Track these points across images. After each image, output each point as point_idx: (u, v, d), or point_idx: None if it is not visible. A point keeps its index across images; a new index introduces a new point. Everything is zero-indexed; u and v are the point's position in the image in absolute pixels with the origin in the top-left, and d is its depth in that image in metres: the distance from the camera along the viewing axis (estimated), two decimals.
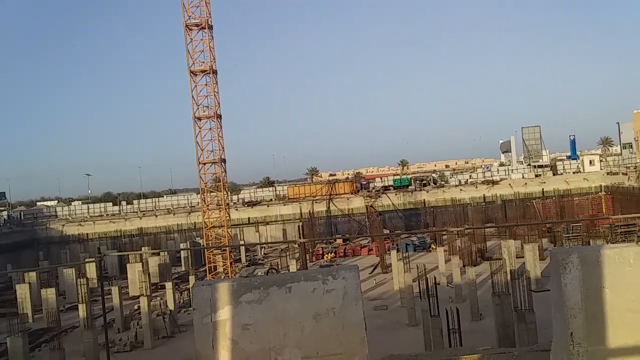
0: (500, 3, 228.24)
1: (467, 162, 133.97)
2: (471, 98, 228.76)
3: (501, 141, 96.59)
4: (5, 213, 74.56)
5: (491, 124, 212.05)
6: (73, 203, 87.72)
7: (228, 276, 43.94)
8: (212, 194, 47.20)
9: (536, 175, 72.30)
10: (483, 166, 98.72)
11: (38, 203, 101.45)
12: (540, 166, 75.22)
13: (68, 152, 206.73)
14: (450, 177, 77.86)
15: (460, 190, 70.06)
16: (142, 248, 56.14)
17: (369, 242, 57.57)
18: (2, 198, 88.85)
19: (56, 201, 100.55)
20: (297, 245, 50.82)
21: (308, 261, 48.34)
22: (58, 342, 24.37)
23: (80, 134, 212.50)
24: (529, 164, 76.61)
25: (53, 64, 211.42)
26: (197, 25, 43.35)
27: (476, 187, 70.16)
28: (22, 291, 38.68)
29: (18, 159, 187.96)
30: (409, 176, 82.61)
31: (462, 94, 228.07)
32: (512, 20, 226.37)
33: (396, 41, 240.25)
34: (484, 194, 68.68)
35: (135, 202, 78.92)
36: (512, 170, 75.65)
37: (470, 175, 77.42)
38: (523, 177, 71.89)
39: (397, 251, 38.06)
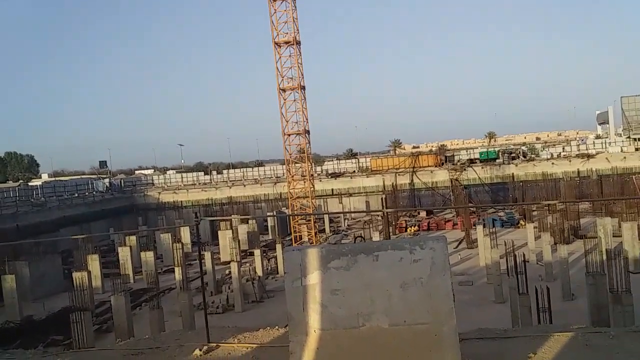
0: None
1: (560, 135, 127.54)
2: (564, 65, 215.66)
3: (598, 112, 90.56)
4: (107, 180, 79.92)
5: (587, 94, 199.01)
6: (168, 172, 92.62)
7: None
8: (296, 165, 48.10)
9: (636, 149, 67.47)
10: (577, 138, 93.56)
11: (136, 172, 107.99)
12: None
13: (163, 124, 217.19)
14: (542, 150, 74.48)
15: (552, 164, 66.86)
16: (232, 216, 58.43)
17: (453, 216, 56.61)
18: (104, 166, 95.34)
19: (152, 170, 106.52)
20: (380, 217, 50.94)
21: (391, 234, 48.37)
22: (157, 302, 25.98)
23: (174, 107, 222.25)
24: (629, 137, 71.48)
25: (149, 46, 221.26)
26: None
27: (570, 161, 66.67)
28: (124, 254, 41.57)
29: (118, 130, 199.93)
30: (496, 149, 79.87)
31: (553, 60, 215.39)
32: None
33: (480, 6, 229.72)
34: (578, 169, 65.16)
35: (224, 172, 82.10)
36: (610, 143, 71.10)
37: (563, 148, 73.68)
38: (622, 151, 67.38)
39: (484, 226, 37.20)
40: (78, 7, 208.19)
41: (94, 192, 71.99)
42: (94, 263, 37.69)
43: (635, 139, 70.09)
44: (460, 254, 39.77)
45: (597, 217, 39.46)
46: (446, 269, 6.56)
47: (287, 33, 44.43)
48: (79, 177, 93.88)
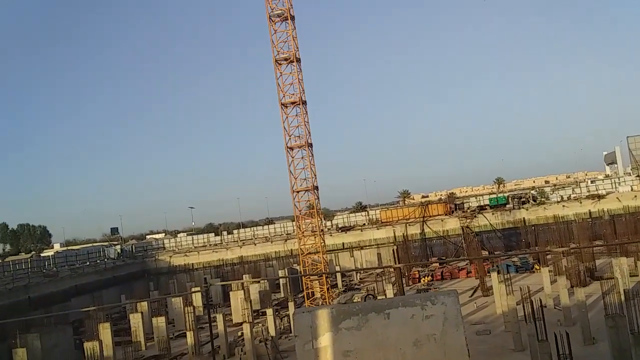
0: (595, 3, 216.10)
1: (569, 177, 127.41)
2: (569, 108, 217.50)
3: (605, 152, 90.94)
4: (118, 247, 80.00)
5: (593, 135, 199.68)
6: (179, 235, 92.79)
7: (326, 302, 44.29)
8: (306, 221, 48.05)
9: None
10: (587, 180, 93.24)
11: (147, 236, 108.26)
12: None
13: (173, 187, 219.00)
14: (551, 193, 74.25)
15: (563, 206, 66.52)
16: (243, 276, 58.00)
17: (467, 264, 55.91)
18: (116, 233, 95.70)
19: (163, 234, 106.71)
20: (392, 270, 50.34)
21: (404, 285, 47.68)
22: None
23: (183, 170, 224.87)
24: (638, 175, 71.38)
25: (157, 111, 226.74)
26: (286, 60, 44.87)
27: (580, 203, 66.33)
28: (136, 320, 41.11)
29: (128, 196, 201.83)
30: (505, 194, 79.71)
31: (559, 104, 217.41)
32: (610, 19, 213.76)
33: (485, 50, 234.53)
34: (589, 210, 64.75)
35: (235, 231, 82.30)
36: (620, 182, 70.86)
37: (573, 190, 73.47)
38: (632, 190, 67.03)
39: (498, 273, 36.65)
40: (85, 79, 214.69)
41: (105, 260, 71.91)
42: (105, 332, 37.17)
43: None
44: (476, 303, 39.03)
45: (612, 257, 38.92)
46: (459, 324, 6.51)
47: (293, 94, 45.32)
48: (90, 245, 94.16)
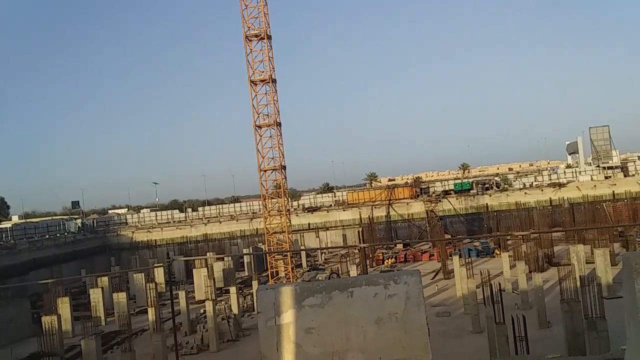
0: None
1: (532, 165, 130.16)
2: (535, 98, 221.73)
3: (567, 142, 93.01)
4: (79, 221, 78.29)
5: (557, 125, 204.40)
6: (142, 210, 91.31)
7: (290, 281, 44.41)
8: (273, 200, 47.90)
9: (606, 177, 69.11)
10: (549, 168, 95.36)
11: (109, 211, 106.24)
12: (610, 167, 71.85)
13: (137, 162, 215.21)
14: (514, 180, 75.72)
15: (525, 193, 67.95)
16: (207, 253, 57.63)
17: (430, 247, 56.77)
18: (76, 206, 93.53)
19: (126, 209, 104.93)
20: (357, 251, 50.78)
21: (368, 266, 48.19)
22: (129, 344, 25.25)
23: (148, 145, 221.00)
24: (598, 166, 73.34)
25: (121, 86, 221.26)
26: (256, 36, 44.25)
27: (542, 190, 67.86)
28: (96, 295, 40.49)
29: (90, 169, 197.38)
30: (470, 180, 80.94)
31: (524, 93, 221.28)
32: (577, 16, 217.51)
33: (453, 41, 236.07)
34: (550, 198, 66.34)
35: (200, 209, 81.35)
36: (580, 172, 72.67)
37: (535, 178, 75.04)
38: (592, 179, 68.89)
39: (460, 256, 37.32)
40: (48, 49, 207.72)
41: (66, 233, 70.41)
42: (64, 306, 36.56)
43: (604, 168, 71.86)
44: (438, 285, 39.73)
45: (570, 244, 40.02)
46: (421, 303, 6.50)
47: (263, 71, 44.78)
48: (50, 218, 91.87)
